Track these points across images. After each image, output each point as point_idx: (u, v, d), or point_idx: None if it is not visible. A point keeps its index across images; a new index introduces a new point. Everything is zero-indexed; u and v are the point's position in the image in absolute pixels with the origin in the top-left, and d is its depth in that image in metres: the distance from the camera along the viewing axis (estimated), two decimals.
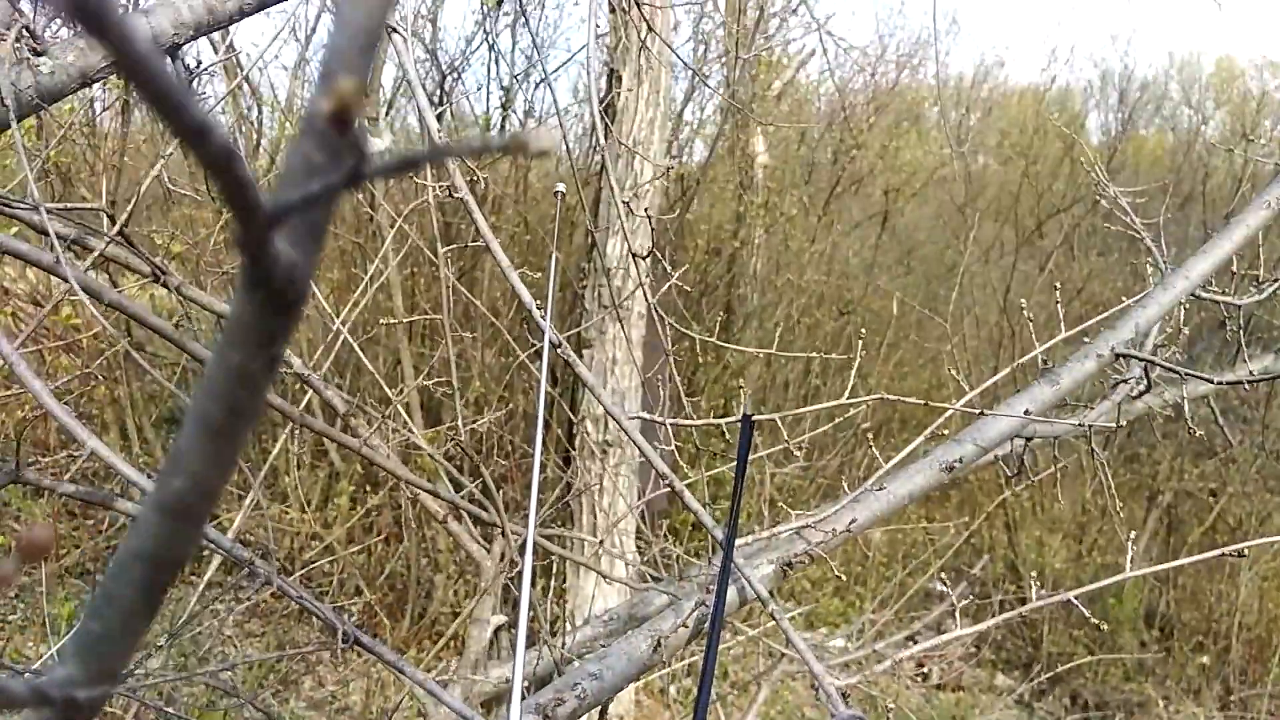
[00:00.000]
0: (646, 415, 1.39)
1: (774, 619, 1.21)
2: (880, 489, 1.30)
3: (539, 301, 1.44)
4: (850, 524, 1.27)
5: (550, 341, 1.45)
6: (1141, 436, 4.80)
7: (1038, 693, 4.28)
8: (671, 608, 1.27)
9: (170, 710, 2.73)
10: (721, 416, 4.89)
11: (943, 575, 4.06)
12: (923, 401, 1.37)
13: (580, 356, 4.08)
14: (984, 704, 4.09)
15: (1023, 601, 4.46)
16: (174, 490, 0.30)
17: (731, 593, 1.31)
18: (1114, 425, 1.94)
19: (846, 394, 1.48)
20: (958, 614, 1.33)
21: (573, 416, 3.58)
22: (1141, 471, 4.65)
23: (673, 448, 1.34)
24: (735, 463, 1.30)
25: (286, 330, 0.28)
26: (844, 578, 1.75)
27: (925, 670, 4.34)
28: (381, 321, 3.70)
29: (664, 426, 1.38)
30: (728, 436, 4.82)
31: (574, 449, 3.68)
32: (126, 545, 0.32)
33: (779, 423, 1.36)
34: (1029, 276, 6.26)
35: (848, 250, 6.42)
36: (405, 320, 3.78)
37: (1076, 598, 1.13)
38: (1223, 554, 1.20)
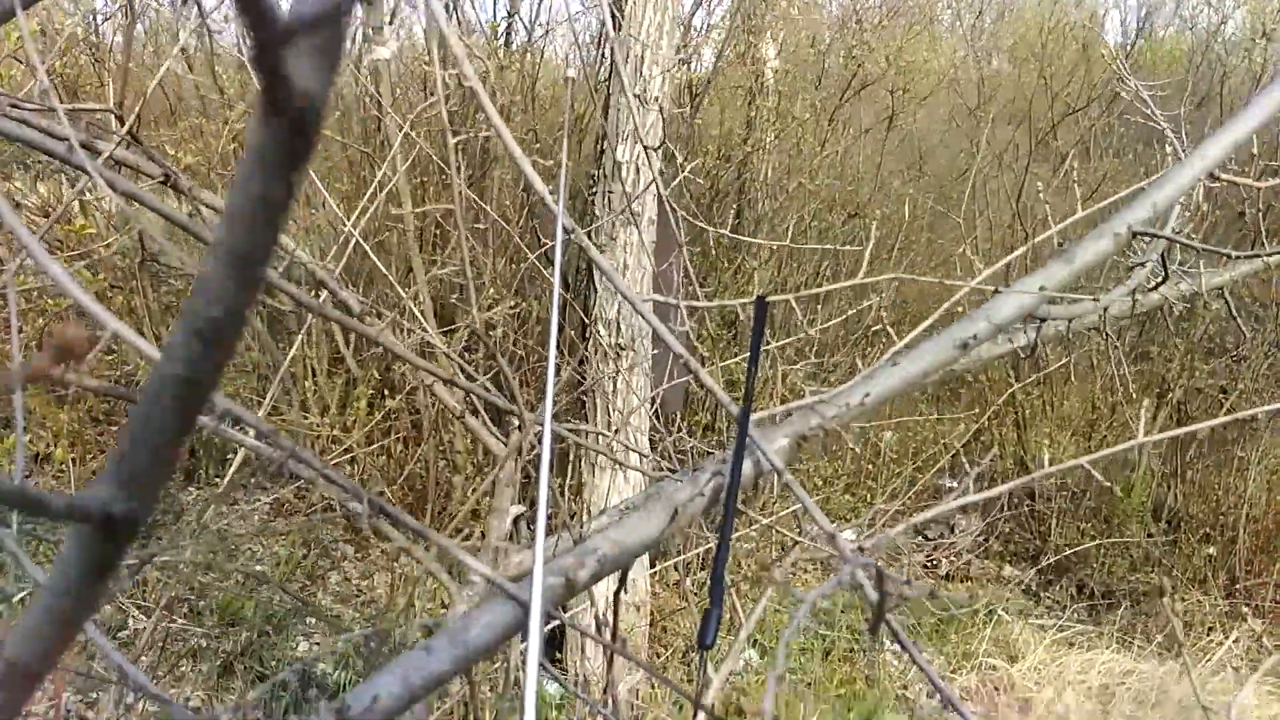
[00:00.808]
0: (660, 297, 1.40)
1: (789, 488, 1.24)
2: (894, 364, 1.32)
3: (551, 186, 1.44)
4: (864, 398, 1.29)
5: (563, 227, 1.46)
6: (1153, 335, 4.81)
7: (1045, 583, 4.40)
8: (688, 479, 1.30)
9: (203, 602, 2.84)
10: (733, 322, 4.89)
11: (952, 470, 4.13)
12: (938, 280, 1.37)
13: (591, 267, 4.08)
14: (991, 593, 4.21)
15: (1031, 495, 4.54)
16: (201, 315, 0.31)
17: (747, 465, 1.34)
18: (1129, 314, 1.95)
19: (861, 278, 1.49)
20: (969, 487, 1.36)
21: (585, 318, 3.60)
22: (1152, 370, 4.67)
23: (686, 329, 1.36)
24: (749, 352, 1.32)
25: (304, 156, 0.29)
26: (856, 449, 1.79)
27: (934, 561, 4.46)
28: (394, 210, 3.69)
29: (678, 309, 1.39)
30: (738, 336, 4.85)
31: (588, 352, 3.71)
32: (157, 371, 0.34)
33: (793, 303, 1.37)
34: (1043, 180, 6.17)
35: (859, 155, 6.34)
36: (416, 212, 3.78)
37: (1090, 464, 1.15)
38: (1237, 419, 1.22)
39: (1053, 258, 1.42)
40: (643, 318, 1.28)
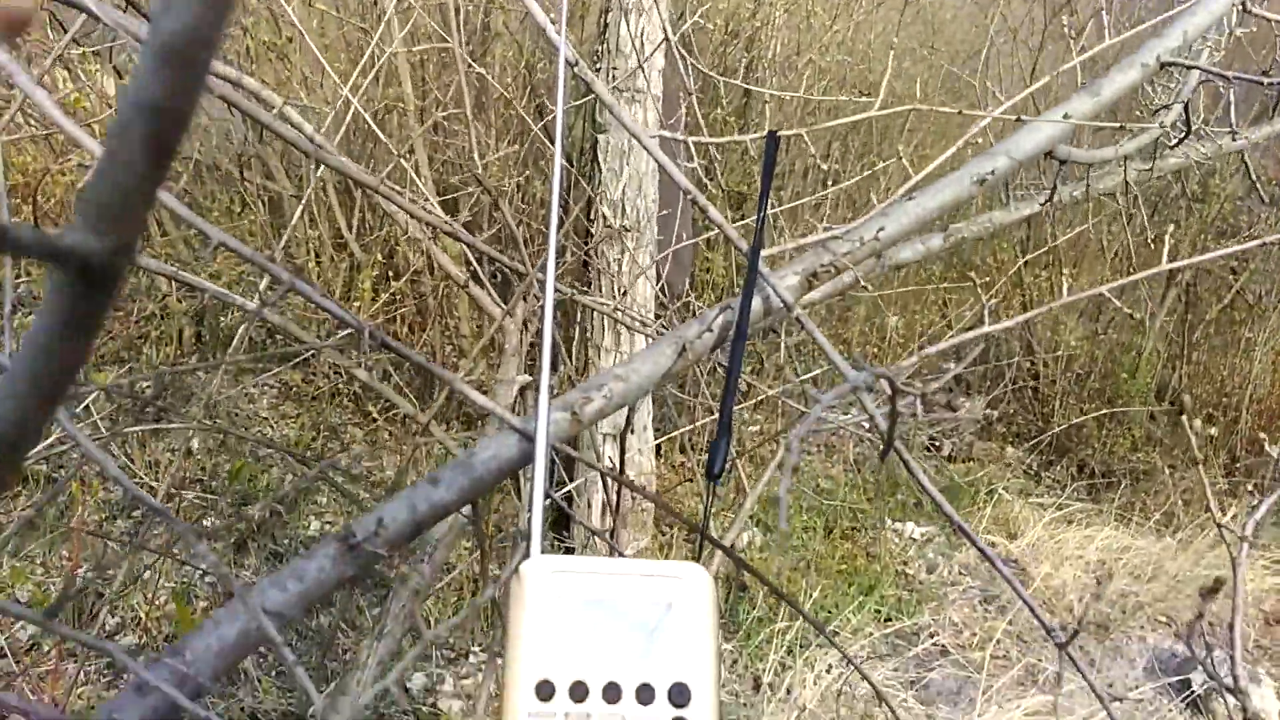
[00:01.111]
0: (666, 133, 1.35)
1: (800, 323, 1.22)
2: (909, 200, 1.28)
3: (552, 15, 1.37)
4: (878, 233, 1.25)
5: (566, 60, 1.40)
6: (1166, 215, 4.73)
7: (1046, 463, 4.44)
8: (696, 317, 1.27)
9: (215, 482, 2.86)
10: (740, 204, 4.76)
11: (958, 354, 4.11)
12: (956, 110, 1.32)
13: (595, 146, 3.99)
14: (993, 473, 4.25)
15: (1036, 376, 4.54)
16: (167, 33, 0.28)
17: (756, 302, 1.31)
18: (1149, 171, 1.89)
19: (875, 111, 1.44)
20: (984, 319, 1.33)
21: (592, 193, 3.54)
22: (1163, 250, 4.60)
23: (694, 166, 1.31)
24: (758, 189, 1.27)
25: None
26: (868, 289, 1.76)
27: (936, 441, 4.50)
28: (390, 56, 3.59)
29: (684, 145, 1.34)
30: (744, 216, 4.78)
31: (592, 234, 3.67)
32: (125, 100, 0.30)
33: (805, 138, 1.33)
34: (1057, 58, 5.99)
35: (870, 31, 6.14)
36: (414, 51, 3.67)
37: (1109, 292, 1.12)
38: (1265, 243, 1.19)
39: (1078, 91, 1.36)
40: (648, 151, 1.23)
